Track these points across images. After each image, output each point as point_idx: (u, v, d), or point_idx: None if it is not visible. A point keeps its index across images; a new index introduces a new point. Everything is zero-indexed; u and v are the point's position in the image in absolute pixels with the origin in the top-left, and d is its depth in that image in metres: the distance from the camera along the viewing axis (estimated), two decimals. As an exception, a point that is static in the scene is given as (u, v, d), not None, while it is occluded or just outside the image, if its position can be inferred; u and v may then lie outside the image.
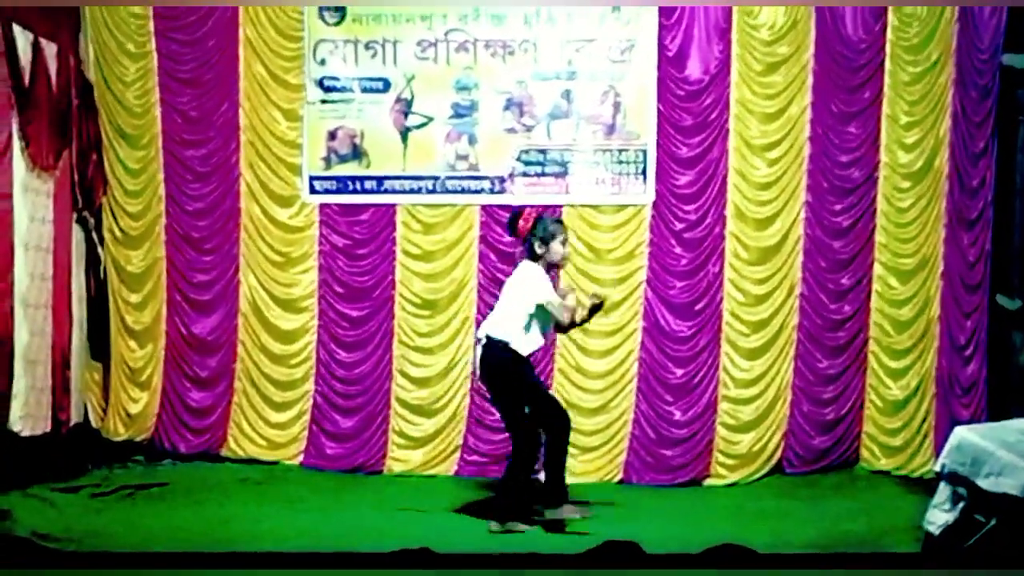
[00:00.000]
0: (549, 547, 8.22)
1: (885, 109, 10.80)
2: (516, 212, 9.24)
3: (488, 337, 8.96)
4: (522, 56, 10.86)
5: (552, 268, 9.06)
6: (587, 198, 10.90)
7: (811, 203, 10.85)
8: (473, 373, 10.18)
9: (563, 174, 10.87)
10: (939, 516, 7.97)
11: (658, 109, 10.81)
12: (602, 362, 10.98)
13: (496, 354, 8.92)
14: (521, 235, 9.07)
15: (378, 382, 11.01)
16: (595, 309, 9.16)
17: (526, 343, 8.93)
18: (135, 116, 11.06)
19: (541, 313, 8.88)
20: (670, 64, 10.78)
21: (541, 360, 10.45)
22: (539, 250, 8.94)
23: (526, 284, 8.92)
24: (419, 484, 10.60)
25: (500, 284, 10.54)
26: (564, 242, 9.00)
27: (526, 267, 9.01)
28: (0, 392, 9.74)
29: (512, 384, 8.99)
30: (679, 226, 10.85)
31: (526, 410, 8.97)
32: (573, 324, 9.19)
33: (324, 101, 10.94)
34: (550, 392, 9.71)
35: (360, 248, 11.03)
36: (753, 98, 10.80)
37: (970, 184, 10.70)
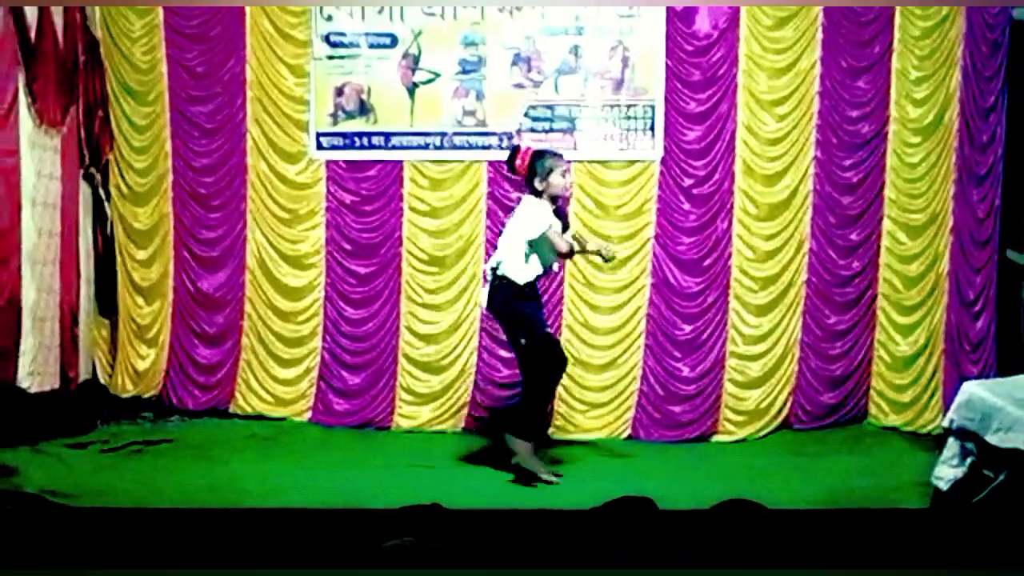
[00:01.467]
0: (560, 502, 8.23)
1: (895, 64, 10.74)
2: (513, 150, 9.31)
3: (492, 271, 9.10)
4: (530, 11, 10.80)
5: (557, 200, 9.14)
6: (595, 154, 10.85)
7: (820, 158, 10.81)
8: (483, 312, 10.17)
9: (571, 130, 10.83)
10: (947, 472, 7.98)
11: (666, 64, 10.75)
12: (610, 318, 10.96)
13: (498, 287, 9.08)
14: (521, 174, 9.17)
15: (386, 338, 11.00)
16: (600, 254, 9.38)
17: (523, 273, 9.01)
18: (141, 72, 11.01)
19: (539, 245, 8.99)
20: (679, 19, 10.72)
21: (549, 315, 10.43)
22: (539, 185, 9.04)
23: (523, 218, 9.07)
24: (427, 440, 10.60)
25: (508, 240, 10.60)
26: (564, 172, 9.11)
27: (526, 202, 9.17)
28: (8, 349, 9.75)
29: (513, 317, 9.13)
30: (688, 182, 10.82)
31: (540, 333, 9.18)
32: (572, 252, 9.35)
33: (331, 57, 10.89)
34: (550, 334, 9.64)
35: (367, 204, 11.00)
36: (762, 53, 10.74)
37: (980, 139, 10.67)
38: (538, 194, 9.06)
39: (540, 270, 9.12)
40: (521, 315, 9.11)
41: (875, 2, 10.62)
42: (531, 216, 9.02)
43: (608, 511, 5.83)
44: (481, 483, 9.14)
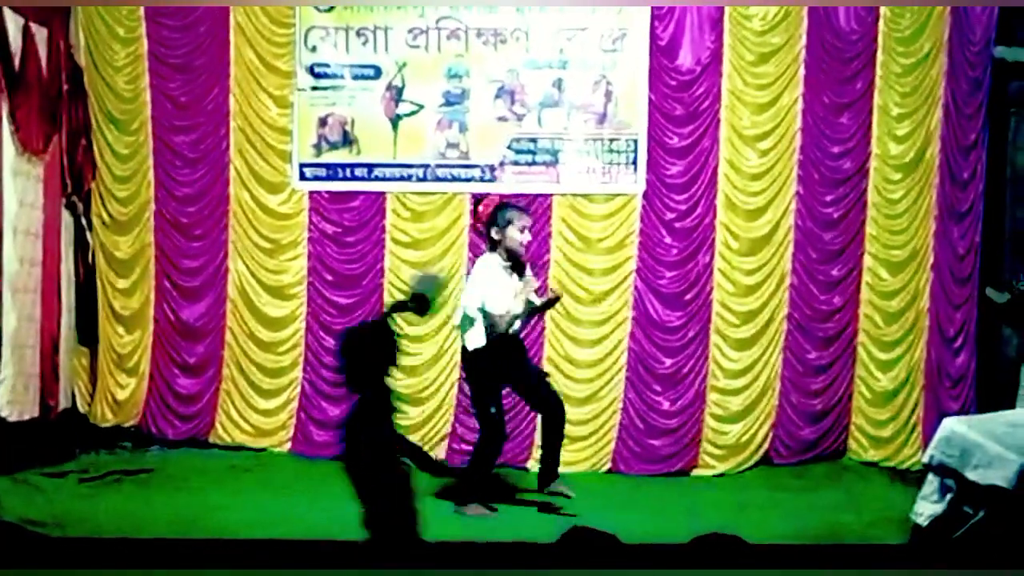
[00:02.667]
0: (540, 535, 8.22)
1: (877, 100, 10.81)
2: (479, 198, 9.34)
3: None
4: (514, 44, 10.84)
5: (513, 257, 9.00)
6: (578, 187, 10.88)
7: (802, 194, 10.85)
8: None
9: (554, 163, 10.85)
10: (927, 507, 8.00)
11: (649, 98, 10.80)
12: (591, 351, 10.97)
13: (463, 350, 9.10)
14: (481, 220, 9.14)
15: (367, 370, 10.98)
16: (551, 303, 9.32)
17: (474, 338, 8.97)
18: (125, 101, 11.03)
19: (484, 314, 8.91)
20: (662, 54, 10.78)
21: (529, 349, 10.44)
22: (495, 235, 8.95)
23: (472, 284, 9.03)
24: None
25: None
26: (523, 228, 8.95)
27: (479, 264, 9.11)
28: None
29: (475, 379, 9.11)
30: (669, 216, 10.85)
31: (492, 410, 9.01)
32: (513, 322, 9.03)
33: (315, 88, 10.92)
34: (538, 379, 9.55)
35: (349, 235, 11.01)
36: (745, 88, 10.80)
37: (961, 176, 10.74)
38: (494, 245, 8.99)
39: (483, 340, 8.97)
40: (482, 383, 9.09)
41: (859, 2, 10.67)
42: (476, 283, 8.96)
43: (565, 544, 5.79)
44: (458, 515, 9.12)
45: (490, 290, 8.84)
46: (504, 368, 9.05)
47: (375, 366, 6.13)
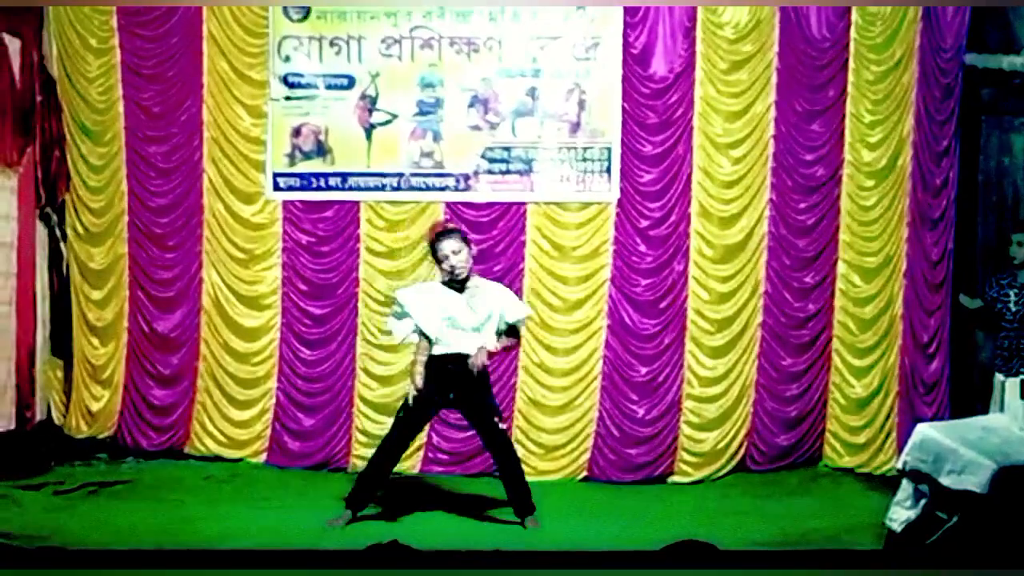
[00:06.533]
0: (519, 544, 8.27)
1: (849, 108, 10.85)
2: (434, 224, 9.60)
3: None
4: (487, 53, 10.85)
5: (453, 278, 9.01)
6: (552, 195, 10.89)
7: (775, 201, 10.88)
8: None
9: (528, 171, 10.86)
10: (901, 513, 8.02)
11: (623, 107, 10.81)
12: (566, 360, 10.98)
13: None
14: (428, 242, 9.30)
15: (341, 380, 10.98)
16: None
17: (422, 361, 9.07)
18: (98, 112, 11.00)
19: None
20: (635, 62, 10.79)
21: (504, 357, 10.48)
22: (436, 258, 9.08)
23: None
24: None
25: (463, 281, 10.62)
26: (457, 252, 8.96)
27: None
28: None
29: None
30: (644, 224, 10.86)
31: (400, 414, 9.17)
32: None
33: (288, 98, 10.90)
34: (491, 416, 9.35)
35: (324, 245, 11.00)
36: (717, 96, 10.82)
37: (933, 183, 10.79)
38: (438, 264, 9.08)
39: (441, 347, 9.03)
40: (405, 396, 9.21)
41: (835, 1, 10.73)
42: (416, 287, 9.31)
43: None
44: (436, 524, 9.15)
45: (410, 295, 9.15)
46: (439, 387, 9.09)
47: None
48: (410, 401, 9.03)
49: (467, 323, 8.95)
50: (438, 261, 9.04)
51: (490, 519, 9.28)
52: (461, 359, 8.97)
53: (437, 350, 8.98)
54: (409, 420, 9.15)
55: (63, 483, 10.13)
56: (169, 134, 11.01)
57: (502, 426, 9.20)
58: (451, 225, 9.64)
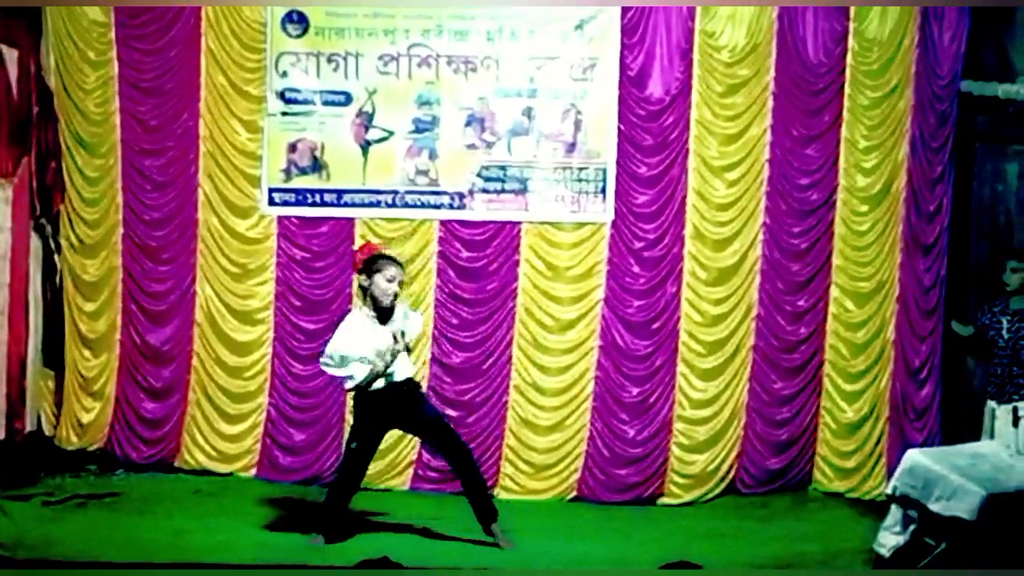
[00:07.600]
0: (507, 563, 8.26)
1: (844, 133, 10.87)
2: (360, 247, 9.55)
3: None
4: (484, 72, 10.86)
5: (379, 307, 8.97)
6: (546, 215, 10.90)
7: (769, 225, 10.90)
8: (430, 372, 10.31)
9: (523, 191, 10.87)
10: (890, 538, 8.04)
11: (619, 128, 10.82)
12: (558, 379, 10.97)
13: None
14: (355, 268, 9.19)
15: (332, 395, 10.95)
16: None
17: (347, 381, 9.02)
18: (94, 124, 10.99)
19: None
20: (631, 83, 10.81)
21: (496, 376, 10.51)
22: (364, 283, 8.99)
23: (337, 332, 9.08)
24: (374, 498, 10.55)
25: (457, 300, 10.66)
26: (392, 279, 8.91)
27: (347, 316, 9.24)
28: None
29: (354, 416, 9.23)
30: (638, 245, 10.88)
31: (352, 445, 9.10)
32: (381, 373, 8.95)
33: (285, 113, 10.91)
34: (436, 424, 9.35)
35: (318, 261, 10.99)
36: (713, 119, 10.84)
37: (927, 209, 10.81)
38: (364, 293, 9.03)
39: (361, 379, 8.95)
40: (356, 420, 9.18)
41: (835, 1, 10.76)
42: (337, 333, 9.03)
43: None
44: (426, 542, 9.13)
45: (343, 341, 8.92)
46: (386, 414, 9.07)
47: None
48: (360, 437, 9.05)
49: (399, 347, 8.91)
50: (366, 280, 8.96)
51: (479, 537, 9.27)
52: (408, 383, 9.06)
53: (380, 383, 8.92)
54: (365, 449, 9.12)
55: (52, 494, 10.11)
56: (165, 147, 11.00)
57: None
58: (387, 251, 9.53)
